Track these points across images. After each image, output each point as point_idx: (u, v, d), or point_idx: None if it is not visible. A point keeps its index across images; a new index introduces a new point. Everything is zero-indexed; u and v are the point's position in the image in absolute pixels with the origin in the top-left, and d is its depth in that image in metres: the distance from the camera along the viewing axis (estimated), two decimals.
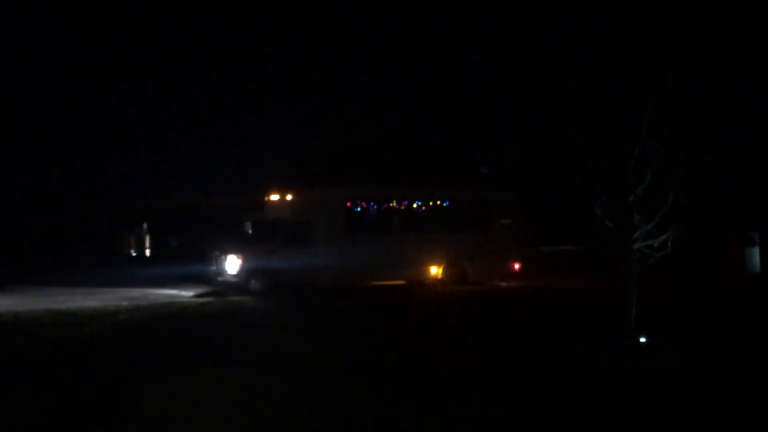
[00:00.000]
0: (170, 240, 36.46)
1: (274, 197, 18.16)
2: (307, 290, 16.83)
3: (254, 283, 16.96)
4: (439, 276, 18.09)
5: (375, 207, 18.19)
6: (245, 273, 16.87)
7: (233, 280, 17.05)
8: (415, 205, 18.42)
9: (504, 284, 18.82)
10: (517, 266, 18.56)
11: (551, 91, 9.22)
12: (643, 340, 8.58)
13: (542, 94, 9.08)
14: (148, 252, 36.26)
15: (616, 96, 8.34)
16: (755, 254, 20.42)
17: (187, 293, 17.49)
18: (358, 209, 18.03)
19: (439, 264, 17.97)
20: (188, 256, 26.55)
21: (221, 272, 17.21)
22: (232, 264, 16.99)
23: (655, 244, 8.49)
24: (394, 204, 18.32)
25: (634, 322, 8.57)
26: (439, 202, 18.66)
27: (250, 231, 20.36)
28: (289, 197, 17.86)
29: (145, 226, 36.89)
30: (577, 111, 8.51)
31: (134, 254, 36.17)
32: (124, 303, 15.07)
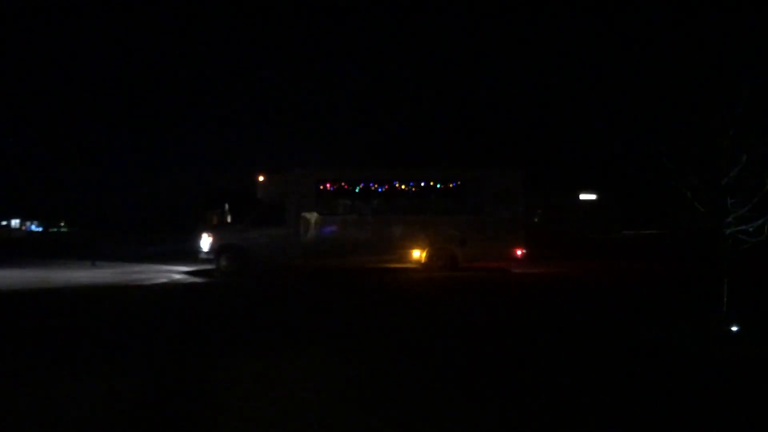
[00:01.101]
0: None
1: (260, 178, 18.52)
2: (275, 270, 17.29)
3: (223, 261, 17.30)
4: (423, 260, 17.24)
5: (350, 189, 17.77)
6: (215, 251, 17.34)
7: (206, 257, 17.58)
8: (399, 186, 17.73)
9: (518, 270, 17.79)
10: (519, 252, 17.14)
11: (638, 66, 8.88)
12: (735, 328, 8.22)
13: (630, 69, 8.75)
14: None
15: (710, 70, 7.94)
16: None
17: (184, 269, 18.83)
18: (331, 191, 17.73)
19: (422, 247, 17.19)
20: None
21: (198, 250, 17.78)
22: (205, 242, 17.57)
23: (750, 229, 8.08)
24: (375, 186, 17.73)
25: (725, 310, 8.23)
26: (423, 183, 17.80)
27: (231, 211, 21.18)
28: (261, 178, 18.27)
29: (226, 206, 38.03)
30: (667, 87, 8.18)
31: None
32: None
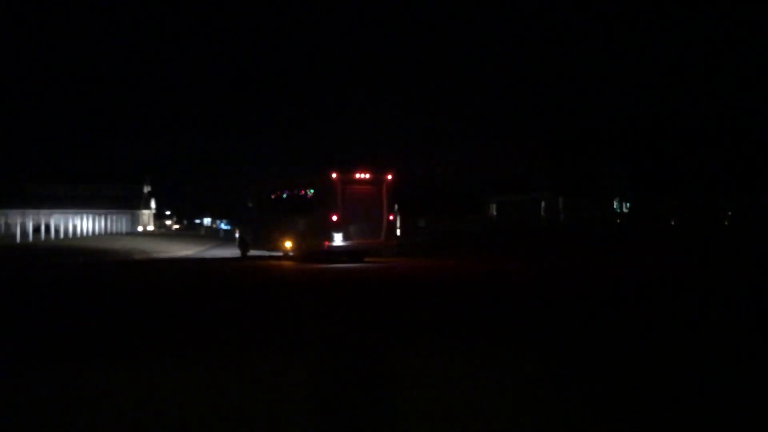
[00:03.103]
0: (418, 221, 38.94)
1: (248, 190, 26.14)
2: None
3: (240, 246, 25.33)
4: (290, 249, 22.16)
5: (281, 195, 23.24)
6: (238, 240, 25.80)
7: (237, 245, 25.82)
8: (291, 192, 22.92)
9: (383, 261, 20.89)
10: (326, 244, 20.38)
11: None
12: None
13: None
14: (398, 231, 38.43)
15: None
16: None
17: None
18: (273, 197, 23.66)
19: (292, 240, 22.00)
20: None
21: (236, 239, 26.64)
22: (236, 234, 26.55)
23: None
24: (286, 192, 23.10)
25: None
26: (296, 190, 22.76)
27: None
28: (246, 188, 25.79)
29: (396, 207, 39.08)
30: None
31: None
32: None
